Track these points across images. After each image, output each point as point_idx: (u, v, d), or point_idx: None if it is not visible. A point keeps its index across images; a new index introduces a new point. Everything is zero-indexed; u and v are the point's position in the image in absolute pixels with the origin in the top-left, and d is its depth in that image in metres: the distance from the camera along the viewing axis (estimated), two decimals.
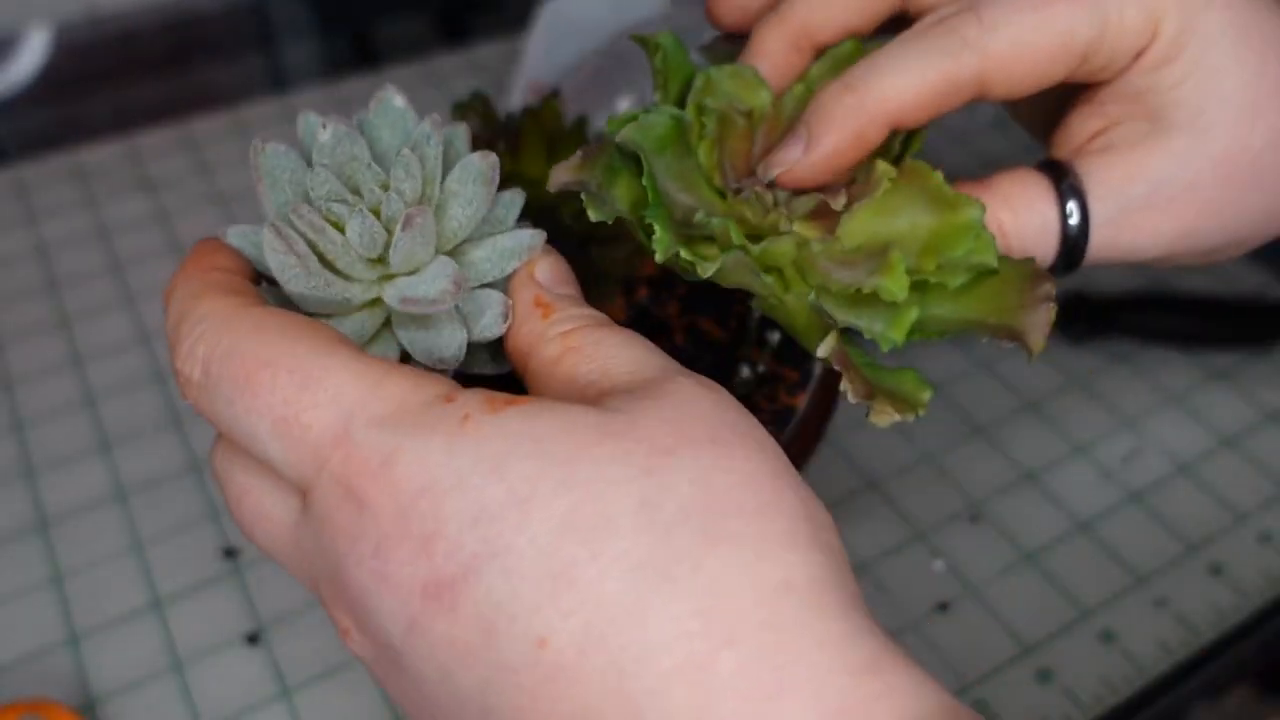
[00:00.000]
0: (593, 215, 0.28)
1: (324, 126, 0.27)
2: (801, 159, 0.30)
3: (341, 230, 0.26)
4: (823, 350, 0.27)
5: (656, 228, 0.28)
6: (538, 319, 0.26)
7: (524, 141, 0.37)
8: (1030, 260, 0.29)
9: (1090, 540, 0.43)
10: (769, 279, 0.29)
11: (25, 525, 0.44)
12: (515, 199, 0.28)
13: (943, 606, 0.41)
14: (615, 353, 0.25)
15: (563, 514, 0.20)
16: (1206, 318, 0.52)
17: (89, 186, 0.60)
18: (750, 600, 0.20)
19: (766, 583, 0.20)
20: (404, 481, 0.21)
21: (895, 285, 0.27)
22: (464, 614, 0.21)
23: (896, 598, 0.41)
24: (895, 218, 0.30)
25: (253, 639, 0.40)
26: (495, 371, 0.28)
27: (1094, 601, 0.41)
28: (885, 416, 0.27)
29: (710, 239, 0.29)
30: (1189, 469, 0.46)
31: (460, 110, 0.38)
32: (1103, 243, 0.31)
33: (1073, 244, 0.31)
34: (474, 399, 0.22)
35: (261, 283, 0.27)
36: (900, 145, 0.30)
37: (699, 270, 0.28)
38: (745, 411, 0.24)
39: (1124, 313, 0.51)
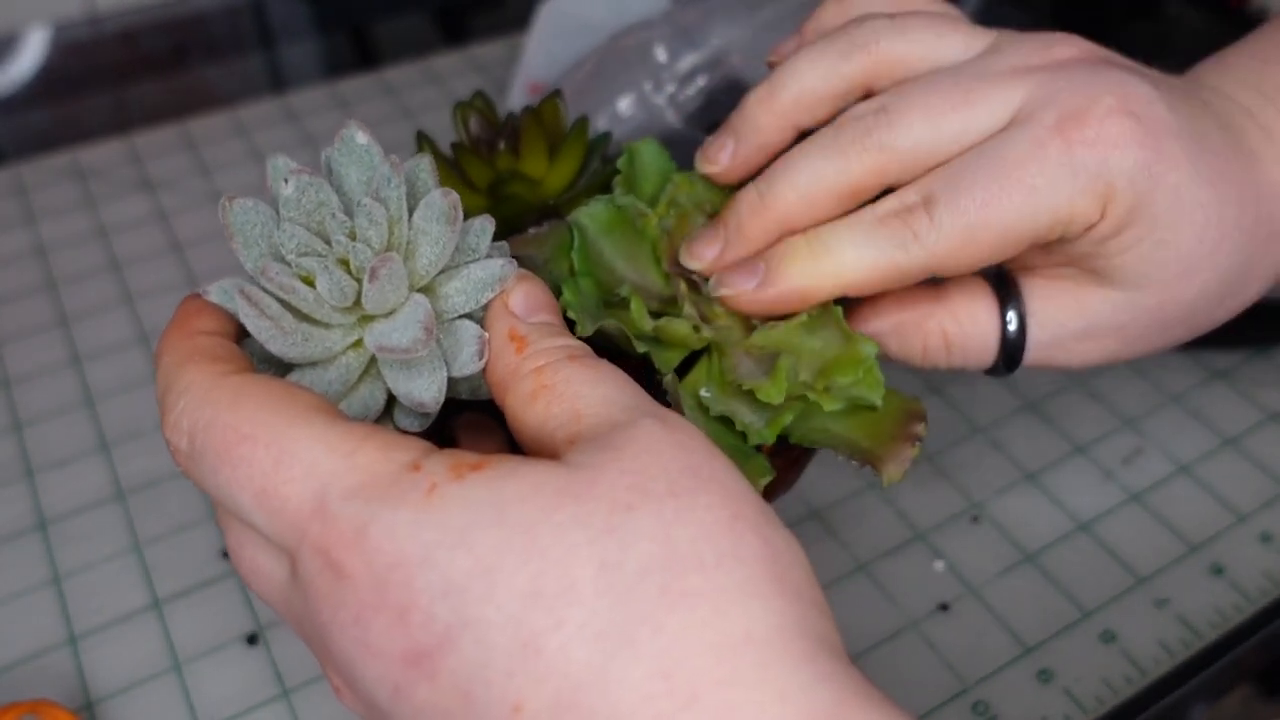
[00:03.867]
0: None
1: (286, 180, 0.27)
2: (750, 292, 0.32)
3: (313, 285, 0.26)
4: None
5: (565, 289, 0.31)
6: (512, 354, 0.27)
7: (525, 141, 0.37)
8: (915, 400, 0.33)
9: (1090, 540, 0.43)
10: (643, 348, 0.32)
11: (25, 525, 0.44)
12: (485, 226, 0.28)
13: (943, 606, 0.41)
14: (584, 392, 0.25)
15: (527, 583, 0.21)
16: None
17: (88, 186, 0.60)
18: (711, 658, 0.20)
19: (727, 638, 0.21)
20: (377, 554, 0.22)
21: (774, 391, 0.31)
22: (443, 682, 0.21)
23: (896, 598, 0.41)
24: (811, 336, 0.33)
25: (252, 639, 0.40)
26: (475, 399, 0.28)
27: (1094, 601, 0.41)
28: None
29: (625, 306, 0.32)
30: (1189, 469, 0.46)
31: (462, 109, 0.38)
32: (1037, 358, 0.35)
33: (1010, 357, 0.35)
34: (440, 465, 0.23)
35: (247, 337, 0.28)
36: None
37: (578, 329, 0.31)
38: (711, 450, 0.24)
39: None
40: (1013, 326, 0.35)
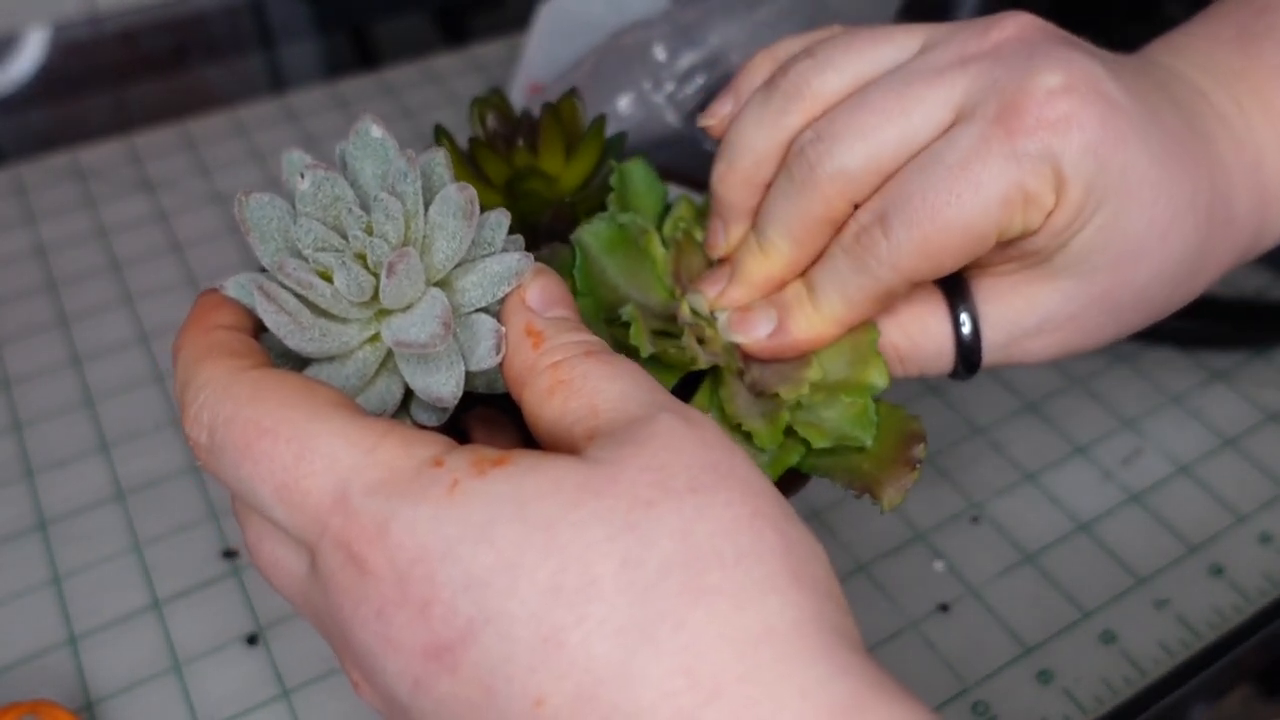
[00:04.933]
0: None
1: (302, 175, 0.27)
2: (764, 340, 0.33)
3: (330, 280, 0.26)
4: None
5: None
6: (529, 349, 0.27)
7: (544, 138, 0.38)
8: (915, 418, 0.33)
9: (1090, 540, 0.43)
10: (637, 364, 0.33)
11: (25, 525, 0.44)
12: (500, 220, 0.28)
13: (943, 607, 0.41)
14: (602, 387, 0.25)
15: (548, 578, 0.21)
16: (1206, 318, 0.52)
17: (88, 186, 0.60)
18: (731, 654, 0.21)
19: (747, 634, 0.21)
20: (399, 549, 0.22)
21: (769, 438, 0.31)
22: (465, 675, 0.21)
23: (896, 598, 0.41)
24: (811, 366, 0.33)
25: (252, 640, 0.40)
26: (491, 393, 0.28)
27: (1094, 602, 0.41)
28: None
29: (626, 326, 0.32)
30: (1189, 469, 0.46)
31: (479, 106, 0.39)
32: (994, 359, 0.35)
33: (968, 360, 0.34)
34: (462, 461, 0.23)
35: (265, 332, 0.28)
36: None
37: None
38: (730, 446, 0.24)
39: None
40: (966, 330, 0.34)
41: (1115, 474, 0.46)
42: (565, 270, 0.33)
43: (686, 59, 0.53)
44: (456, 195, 0.27)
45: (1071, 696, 0.39)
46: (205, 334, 0.26)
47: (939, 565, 0.43)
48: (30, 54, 0.68)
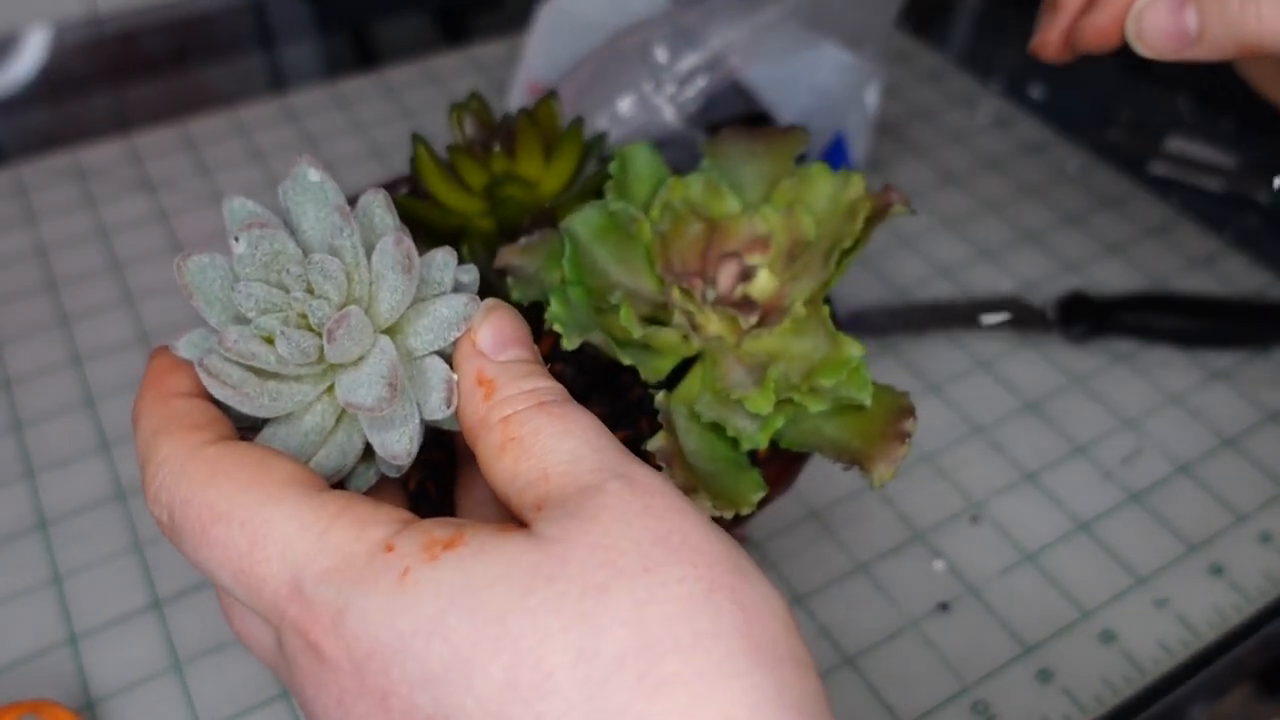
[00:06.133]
0: (514, 295, 0.33)
1: (236, 239, 0.26)
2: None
3: (274, 343, 0.26)
4: (652, 445, 0.31)
5: (554, 300, 0.31)
6: (480, 400, 0.26)
7: (520, 143, 0.37)
8: (904, 395, 0.32)
9: (1090, 540, 0.43)
10: (629, 360, 0.32)
11: (25, 525, 0.44)
12: (447, 259, 0.27)
13: (943, 606, 0.41)
14: (552, 446, 0.24)
15: (503, 673, 0.21)
16: (1206, 318, 0.52)
17: (88, 186, 0.60)
18: None
19: None
20: (354, 641, 0.22)
21: (762, 402, 0.31)
22: None
23: (896, 598, 0.41)
24: (800, 340, 0.33)
25: None
26: (454, 429, 0.28)
27: (1094, 601, 0.41)
28: (702, 508, 0.30)
29: (615, 312, 0.32)
30: (1189, 469, 0.46)
31: (457, 111, 0.38)
32: None
33: None
34: (413, 545, 0.23)
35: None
36: (820, 289, 0.34)
37: (564, 342, 0.30)
38: (682, 510, 0.23)
39: (1124, 313, 0.51)
40: None
41: (1115, 474, 0.46)
42: (555, 258, 0.33)
43: (688, 60, 0.53)
44: (393, 250, 0.26)
45: (1071, 696, 0.39)
46: (163, 404, 0.26)
47: (939, 565, 0.43)
48: (31, 54, 0.68)
